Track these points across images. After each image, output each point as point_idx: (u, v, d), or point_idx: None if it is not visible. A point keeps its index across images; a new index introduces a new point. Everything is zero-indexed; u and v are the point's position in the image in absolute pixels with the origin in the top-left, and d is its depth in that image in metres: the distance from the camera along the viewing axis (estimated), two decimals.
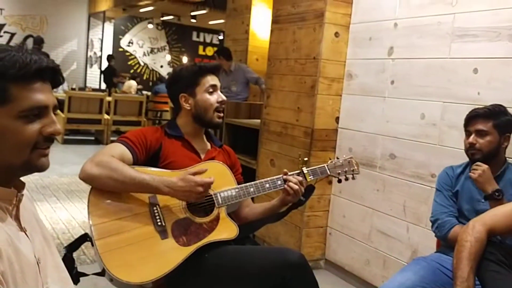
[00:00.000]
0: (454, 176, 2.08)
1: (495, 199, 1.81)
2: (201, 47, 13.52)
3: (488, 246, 1.59)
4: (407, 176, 2.67)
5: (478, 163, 1.93)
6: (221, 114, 1.86)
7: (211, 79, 1.85)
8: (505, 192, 1.85)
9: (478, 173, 1.87)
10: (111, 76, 10.33)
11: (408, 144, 2.67)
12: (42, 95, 0.94)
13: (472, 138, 1.95)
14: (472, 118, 1.95)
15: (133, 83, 10.29)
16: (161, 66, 13.18)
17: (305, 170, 1.80)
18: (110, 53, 11.19)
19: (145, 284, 1.54)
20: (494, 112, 1.95)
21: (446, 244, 2.01)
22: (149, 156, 1.75)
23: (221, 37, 12.65)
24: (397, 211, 2.73)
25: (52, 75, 0.98)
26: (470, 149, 1.96)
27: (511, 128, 1.96)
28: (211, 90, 1.84)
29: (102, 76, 10.38)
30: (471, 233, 1.59)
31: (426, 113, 2.57)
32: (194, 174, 1.62)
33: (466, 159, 2.12)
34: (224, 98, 1.87)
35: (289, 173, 1.78)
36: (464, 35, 2.37)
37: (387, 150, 2.80)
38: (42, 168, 0.97)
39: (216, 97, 1.84)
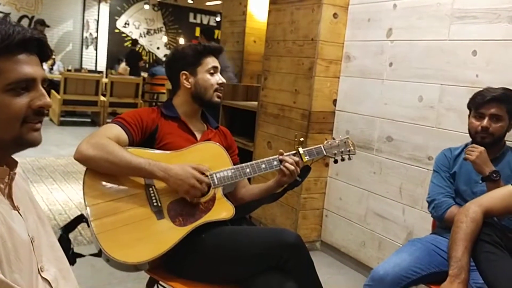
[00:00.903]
0: (452, 157, 2.08)
1: (493, 180, 1.81)
2: (198, 29, 13.37)
3: (484, 227, 1.59)
4: (404, 158, 2.67)
5: (474, 145, 1.92)
6: (220, 94, 1.87)
7: (213, 61, 1.86)
8: (502, 174, 1.85)
9: (475, 155, 1.86)
10: (136, 60, 10.20)
11: (406, 127, 2.66)
12: (28, 67, 0.92)
13: (486, 121, 1.90)
14: (488, 101, 1.89)
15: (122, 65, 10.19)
16: (158, 48, 13.06)
17: (301, 150, 1.79)
18: (106, 34, 11.08)
19: (141, 264, 1.54)
20: (507, 97, 1.92)
21: (442, 225, 2.02)
22: (145, 137, 1.74)
23: (218, 19, 12.54)
24: (393, 193, 2.73)
25: (39, 47, 0.96)
26: (482, 132, 1.91)
27: None
28: (212, 71, 1.84)
29: (125, 60, 10.25)
30: (467, 214, 1.60)
31: (424, 95, 2.55)
32: (195, 168, 1.63)
33: (464, 142, 2.12)
34: (224, 80, 1.88)
35: (285, 154, 1.77)
36: (464, 17, 2.35)
37: (385, 132, 2.80)
38: (34, 143, 0.96)
39: (216, 79, 1.85)
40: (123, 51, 11.83)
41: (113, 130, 1.66)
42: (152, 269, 1.65)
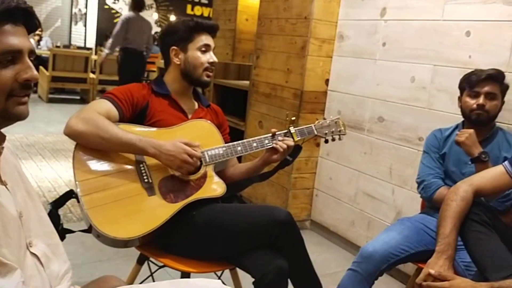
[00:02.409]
0: (442, 138, 2.09)
1: (482, 161, 1.82)
2: (189, 6, 13.15)
3: (473, 207, 1.61)
4: (395, 139, 2.68)
5: (463, 129, 1.94)
6: (211, 74, 1.83)
7: (206, 39, 1.80)
8: (492, 155, 1.87)
9: (465, 136, 1.87)
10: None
11: (397, 107, 2.66)
12: (14, 38, 0.89)
13: (482, 99, 1.91)
14: (484, 79, 1.91)
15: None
16: None
17: (292, 129, 1.79)
18: (95, 10, 10.89)
19: (132, 240, 1.54)
20: (501, 76, 1.94)
21: (431, 205, 2.04)
22: (135, 114, 1.72)
23: None
24: (383, 173, 2.75)
25: (25, 17, 0.92)
26: (477, 109, 1.92)
27: (505, 94, 1.97)
28: (203, 49, 1.79)
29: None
30: (458, 192, 1.61)
31: (416, 76, 2.55)
32: (186, 144, 1.61)
33: (455, 123, 2.13)
34: (215, 59, 1.82)
35: (277, 133, 1.77)
36: None
37: (376, 113, 2.80)
38: (20, 117, 0.93)
39: (208, 57, 1.80)
40: (112, 27, 11.65)
41: (104, 105, 1.64)
42: (143, 246, 1.65)
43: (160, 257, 1.64)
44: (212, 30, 1.83)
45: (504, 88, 1.96)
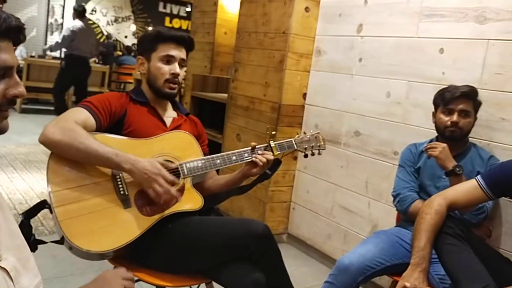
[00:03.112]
0: (417, 153, 2.13)
1: (456, 174, 1.86)
2: (167, 19, 13.15)
3: (447, 220, 1.64)
4: (371, 153, 2.71)
5: (435, 142, 1.98)
6: (174, 86, 1.77)
7: (171, 49, 1.76)
8: (466, 170, 1.91)
9: (438, 151, 1.91)
10: (111, 51, 10.23)
11: (373, 122, 2.70)
12: (7, 54, 0.89)
13: (456, 116, 1.96)
14: (458, 97, 1.95)
15: None
16: (126, 37, 12.77)
17: (272, 143, 1.79)
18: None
19: (106, 253, 1.51)
20: (474, 93, 1.99)
21: (406, 218, 2.07)
22: (113, 122, 1.69)
23: (188, 9, 12.38)
24: (359, 187, 2.77)
25: (16, 33, 0.93)
26: (451, 126, 1.97)
27: (478, 110, 2.02)
28: (166, 59, 1.76)
29: (100, 51, 10.20)
30: (432, 206, 1.64)
31: (392, 91, 2.60)
32: (163, 165, 1.59)
33: (429, 137, 2.17)
34: (178, 71, 1.77)
35: (257, 146, 1.77)
36: (432, 15, 2.40)
37: (353, 127, 2.83)
38: (3, 131, 0.93)
39: (170, 68, 1.75)
40: None
41: (81, 114, 1.61)
42: (117, 259, 1.62)
43: (135, 271, 1.60)
44: (179, 41, 1.78)
45: (477, 105, 2.01)
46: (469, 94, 1.96)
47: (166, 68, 1.76)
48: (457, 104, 1.96)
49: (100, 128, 1.65)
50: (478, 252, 1.59)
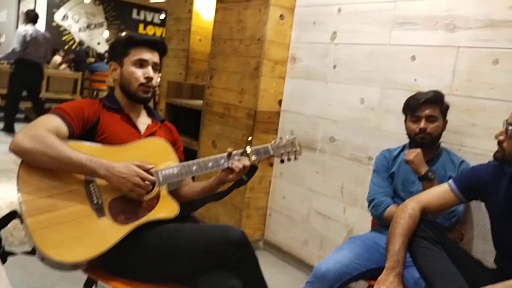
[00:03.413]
0: (391, 158, 2.16)
1: (429, 179, 1.90)
2: (141, 26, 13.08)
3: (421, 224, 1.66)
4: (346, 158, 2.74)
5: (410, 149, 2.02)
6: (148, 90, 1.76)
7: (144, 53, 1.75)
8: (438, 174, 1.95)
9: (413, 155, 1.95)
10: (83, 58, 10.09)
11: (348, 128, 2.73)
12: None
13: (423, 123, 2.00)
14: (422, 104, 2.00)
15: (59, 58, 9.81)
16: (98, 43, 12.63)
17: (248, 149, 1.78)
18: (43, 27, 10.61)
19: (79, 264, 1.47)
20: (440, 98, 2.04)
21: (381, 223, 2.09)
22: (85, 130, 1.66)
23: (163, 16, 12.32)
24: (335, 192, 2.80)
25: None
26: (420, 133, 2.01)
27: (447, 114, 2.07)
28: (139, 63, 1.74)
29: (72, 58, 10.02)
30: (406, 210, 1.67)
31: (365, 97, 2.64)
32: (139, 166, 1.57)
33: (402, 142, 2.21)
34: (152, 75, 1.75)
35: (233, 152, 1.76)
36: (404, 23, 2.45)
37: (328, 133, 2.86)
38: None
39: (143, 72, 1.74)
40: (60, 45, 11.38)
41: (53, 121, 1.57)
42: (90, 269, 1.58)
43: (109, 281, 1.57)
44: (151, 45, 1.77)
45: (445, 108, 2.06)
46: (433, 100, 2.01)
47: (139, 72, 1.74)
48: (422, 110, 2.01)
49: (73, 135, 1.61)
50: (451, 255, 1.62)
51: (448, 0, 2.25)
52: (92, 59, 11.05)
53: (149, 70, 1.75)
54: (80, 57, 10.27)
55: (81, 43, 11.59)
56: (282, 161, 1.87)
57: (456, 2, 2.22)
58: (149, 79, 1.75)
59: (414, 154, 1.95)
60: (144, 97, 1.77)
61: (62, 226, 1.46)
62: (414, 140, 2.05)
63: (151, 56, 1.77)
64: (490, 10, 2.09)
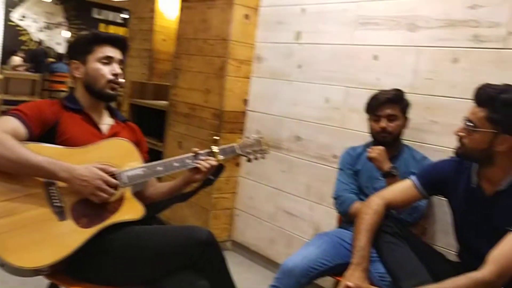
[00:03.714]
0: (355, 156, 2.20)
1: (392, 175, 1.94)
2: (102, 25, 12.80)
3: (385, 219, 1.70)
4: (311, 157, 2.76)
5: (374, 146, 2.06)
6: (116, 86, 1.73)
7: (109, 51, 1.73)
8: (400, 171, 2.00)
9: (376, 152, 1.98)
10: (42, 58, 9.68)
11: (313, 127, 2.76)
12: None
13: (384, 122, 2.04)
14: (383, 103, 2.04)
15: (16, 59, 9.49)
16: (58, 44, 12.28)
17: (215, 149, 1.77)
18: (0, 26, 10.25)
19: (40, 269, 1.42)
20: (399, 97, 2.08)
21: (347, 219, 2.12)
22: (45, 131, 1.60)
23: (124, 16, 12.11)
24: (301, 191, 2.82)
25: None
26: (381, 132, 2.05)
27: (408, 111, 2.12)
28: (105, 60, 1.71)
29: (29, 58, 9.63)
30: (370, 206, 1.70)
31: (330, 97, 2.67)
32: (102, 169, 1.53)
33: (365, 141, 2.25)
34: (120, 71, 1.74)
35: (199, 152, 1.74)
36: (367, 23, 2.49)
37: (293, 132, 2.88)
38: None
39: (110, 69, 1.72)
40: (18, 45, 11.01)
41: (10, 123, 1.51)
42: (53, 274, 1.53)
43: (73, 286, 1.53)
44: (115, 42, 1.76)
45: (405, 107, 2.10)
46: (393, 99, 2.06)
47: (106, 69, 1.71)
48: (383, 110, 2.05)
49: (32, 137, 1.56)
50: (415, 249, 1.66)
51: (409, 1, 2.31)
52: (51, 59, 10.73)
53: (116, 67, 1.73)
54: (39, 58, 9.96)
55: (40, 43, 11.21)
56: (249, 160, 1.86)
57: (417, 3, 2.28)
58: (117, 75, 1.73)
59: (377, 151, 1.99)
60: (112, 94, 1.73)
61: (22, 231, 1.41)
62: (376, 139, 2.10)
63: (116, 54, 1.75)
64: (449, 10, 2.15)
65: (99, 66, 1.71)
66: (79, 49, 1.74)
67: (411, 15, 2.30)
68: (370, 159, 2.01)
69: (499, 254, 1.43)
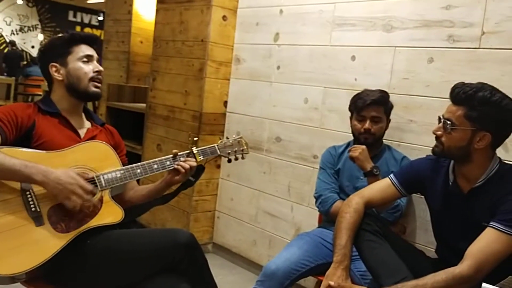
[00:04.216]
0: (336, 155, 2.21)
1: (374, 175, 1.95)
2: (78, 28, 12.62)
3: (366, 218, 1.71)
4: (292, 158, 2.77)
5: (356, 145, 2.07)
6: (99, 84, 1.74)
7: (86, 49, 1.73)
8: (381, 171, 2.01)
9: (358, 152, 2.00)
10: (16, 61, 9.45)
11: (293, 128, 2.77)
12: None
13: (368, 124, 2.05)
14: (369, 105, 2.04)
15: None
16: (32, 47, 12.06)
17: (195, 150, 1.76)
18: None
19: (17, 276, 1.39)
20: (385, 99, 2.10)
21: (328, 219, 2.13)
22: (20, 135, 1.57)
23: (101, 18, 11.97)
24: (282, 191, 2.82)
25: None
26: (364, 133, 2.06)
27: (390, 113, 2.14)
28: (85, 59, 1.71)
29: (3, 61, 9.40)
30: (351, 205, 1.71)
31: (309, 97, 2.68)
32: (79, 174, 1.50)
33: (346, 140, 2.27)
34: (101, 68, 1.75)
35: (179, 153, 1.73)
36: (344, 24, 2.51)
37: (273, 133, 2.88)
38: None
39: (91, 67, 1.72)
40: None
41: None
42: (31, 281, 1.49)
43: None
44: (90, 41, 1.76)
45: (389, 109, 2.13)
46: (379, 101, 2.07)
47: (87, 67, 1.71)
48: (368, 111, 2.06)
49: (6, 141, 1.52)
50: (395, 247, 1.67)
51: (384, 2, 2.34)
52: (25, 63, 10.53)
53: (97, 65, 1.74)
54: (14, 61, 9.75)
55: (13, 44, 10.95)
56: (229, 160, 1.86)
57: (392, 3, 2.31)
58: (99, 72, 1.73)
59: (359, 150, 2.00)
60: (96, 91, 1.73)
61: None
62: (358, 139, 2.11)
63: (93, 52, 1.75)
64: (424, 10, 2.19)
65: (81, 65, 1.70)
66: (57, 51, 1.71)
67: (386, 16, 2.33)
68: (352, 158, 2.02)
69: (476, 249, 1.46)
